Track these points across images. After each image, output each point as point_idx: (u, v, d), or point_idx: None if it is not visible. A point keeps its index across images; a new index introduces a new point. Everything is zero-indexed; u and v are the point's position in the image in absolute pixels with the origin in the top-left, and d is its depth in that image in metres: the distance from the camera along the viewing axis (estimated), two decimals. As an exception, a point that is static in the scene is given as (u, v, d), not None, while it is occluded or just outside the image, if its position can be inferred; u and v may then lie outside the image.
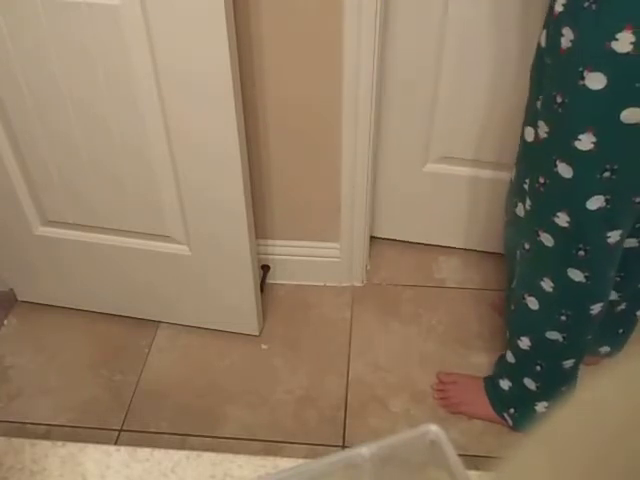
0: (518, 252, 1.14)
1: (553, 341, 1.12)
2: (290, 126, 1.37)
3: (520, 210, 1.13)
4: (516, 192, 1.16)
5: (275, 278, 1.65)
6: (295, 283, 1.65)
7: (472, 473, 0.45)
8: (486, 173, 1.53)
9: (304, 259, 1.61)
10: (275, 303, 1.61)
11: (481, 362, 1.45)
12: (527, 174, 1.06)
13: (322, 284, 1.65)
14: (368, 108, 1.32)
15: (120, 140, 1.21)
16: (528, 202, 1.05)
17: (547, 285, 1.07)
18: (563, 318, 1.09)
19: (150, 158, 1.23)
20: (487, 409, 1.33)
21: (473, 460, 1.24)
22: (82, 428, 1.36)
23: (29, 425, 1.36)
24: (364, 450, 0.42)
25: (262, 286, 1.54)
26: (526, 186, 1.06)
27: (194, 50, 1.05)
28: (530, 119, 1.03)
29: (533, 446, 0.21)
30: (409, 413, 1.36)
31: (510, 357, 1.24)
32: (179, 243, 1.38)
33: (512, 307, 1.20)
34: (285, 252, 1.60)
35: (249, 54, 1.25)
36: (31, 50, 1.11)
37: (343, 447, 1.31)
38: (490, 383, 1.34)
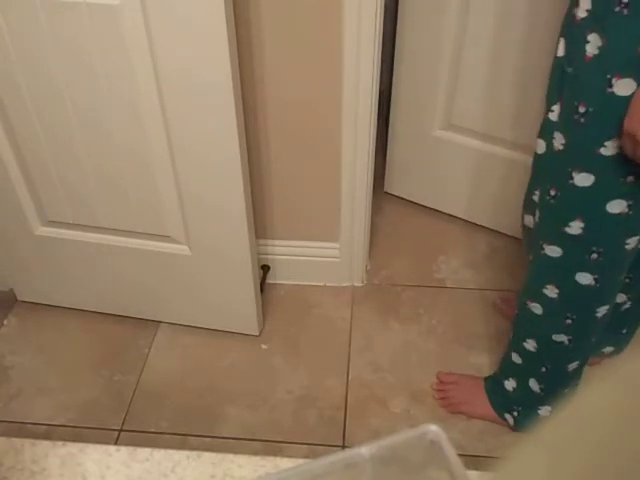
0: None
1: (559, 343, 1.12)
2: (290, 126, 1.37)
3: (529, 221, 1.12)
4: (526, 204, 1.14)
5: (275, 278, 1.65)
6: (295, 283, 1.65)
7: (472, 473, 0.45)
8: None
9: (304, 259, 1.61)
10: (275, 303, 1.61)
11: (481, 362, 1.45)
12: (536, 186, 1.05)
13: (322, 284, 1.65)
14: (368, 108, 1.32)
15: (120, 140, 1.21)
16: (537, 214, 1.04)
17: (551, 292, 1.06)
18: (568, 321, 1.08)
19: (150, 159, 1.23)
20: (487, 409, 1.33)
21: (473, 460, 1.25)
22: (82, 428, 1.36)
23: (29, 425, 1.36)
24: (364, 450, 0.42)
25: (262, 286, 1.54)
26: (535, 198, 1.05)
27: (194, 50, 1.05)
28: (541, 131, 1.02)
29: (532, 446, 0.21)
30: (409, 413, 1.36)
31: (516, 358, 1.24)
32: (179, 243, 1.38)
33: (516, 311, 1.20)
34: (285, 252, 1.60)
35: (249, 54, 1.25)
36: (31, 50, 1.11)
37: (343, 447, 1.31)
38: (491, 383, 1.34)
